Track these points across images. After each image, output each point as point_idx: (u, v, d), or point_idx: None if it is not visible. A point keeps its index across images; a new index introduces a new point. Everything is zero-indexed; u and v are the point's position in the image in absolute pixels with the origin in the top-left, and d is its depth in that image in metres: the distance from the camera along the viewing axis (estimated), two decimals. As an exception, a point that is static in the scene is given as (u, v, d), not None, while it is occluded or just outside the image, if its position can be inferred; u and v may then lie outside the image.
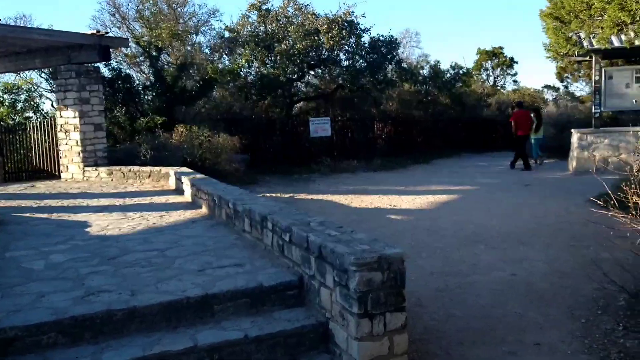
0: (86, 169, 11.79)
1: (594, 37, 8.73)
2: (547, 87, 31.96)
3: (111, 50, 12.37)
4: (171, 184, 10.24)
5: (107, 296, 3.97)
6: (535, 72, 55.79)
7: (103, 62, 14.11)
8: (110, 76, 14.06)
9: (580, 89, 27.99)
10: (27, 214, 7.68)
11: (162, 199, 8.78)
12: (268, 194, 11.58)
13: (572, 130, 14.40)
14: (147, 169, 11.01)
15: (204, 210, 7.54)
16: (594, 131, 13.70)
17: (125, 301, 3.85)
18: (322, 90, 19.07)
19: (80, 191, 10.14)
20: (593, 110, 13.97)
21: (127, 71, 14.87)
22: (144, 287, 4.15)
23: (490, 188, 11.91)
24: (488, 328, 4.14)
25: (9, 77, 15.18)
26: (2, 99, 14.15)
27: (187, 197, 8.72)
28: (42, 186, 11.10)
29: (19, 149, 13.02)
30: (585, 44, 12.00)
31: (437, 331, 4.10)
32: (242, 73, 17.36)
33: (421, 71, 24.38)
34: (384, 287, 3.40)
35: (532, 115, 16.27)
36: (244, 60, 16.62)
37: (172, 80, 13.52)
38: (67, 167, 12.03)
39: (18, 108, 14.12)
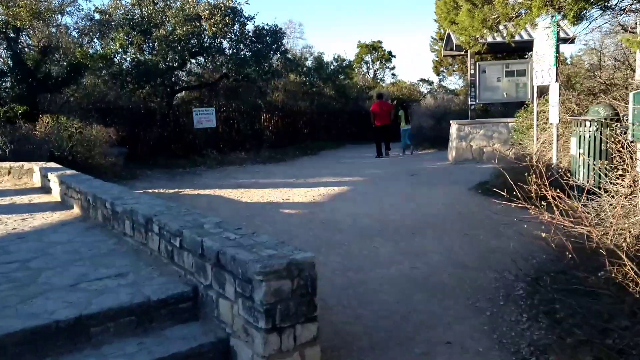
0: None
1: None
2: (423, 80, 33.71)
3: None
4: (36, 181, 9.06)
5: None
6: (412, 66, 58.78)
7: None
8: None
9: (454, 82, 29.82)
10: None
11: (24, 199, 7.68)
12: (150, 190, 10.72)
13: (451, 121, 15.10)
14: (6, 164, 9.67)
15: (76, 211, 6.66)
16: (471, 122, 14.47)
17: (-26, 332, 3.12)
18: (205, 79, 18.21)
19: None
20: (469, 103, 14.74)
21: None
22: (1, 311, 3.41)
23: (379, 179, 12.06)
24: (397, 327, 3.97)
25: None
26: None
27: (56, 196, 7.72)
28: None
29: None
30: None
31: (347, 335, 3.84)
32: (116, 59, 15.98)
33: (306, 62, 24.37)
34: (294, 296, 3.04)
35: (394, 107, 17.35)
36: (117, 45, 15.27)
37: (34, 65, 11.95)
38: None
39: None
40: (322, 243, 6.44)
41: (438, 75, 30.08)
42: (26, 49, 12.65)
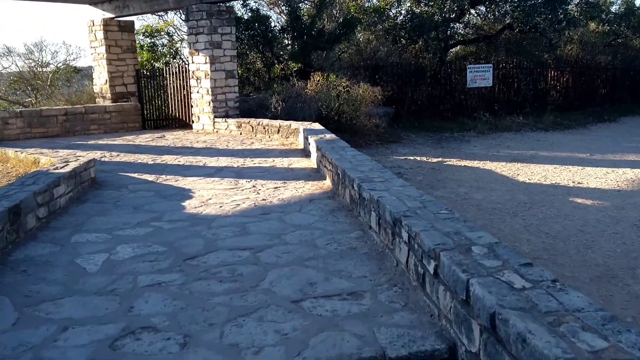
0: (216, 120, 10.93)
1: None
2: None
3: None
4: (299, 142, 8.88)
5: (147, 341, 2.61)
6: None
7: (241, 1, 13.06)
8: (247, 17, 12.90)
9: None
10: (135, 174, 6.79)
11: (284, 163, 7.42)
12: (412, 157, 9.73)
13: None
14: (276, 123, 9.76)
15: (327, 183, 5.99)
16: None
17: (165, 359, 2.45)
18: (484, 32, 16.18)
19: (204, 145, 9.24)
20: None
21: (266, 12, 13.59)
22: (204, 332, 2.70)
23: None
24: None
25: (153, 20, 14.86)
26: (142, 43, 13.80)
27: (313, 162, 7.26)
28: (170, 137, 10.46)
29: (156, 97, 12.63)
30: None
31: None
32: (391, 13, 15.24)
33: (610, 8, 20.01)
34: None
35: None
36: (393, -3, 14.42)
37: (309, 21, 11.92)
38: (199, 117, 11.28)
39: (158, 53, 13.68)
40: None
41: None
42: (303, 4, 12.79)
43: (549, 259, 4.66)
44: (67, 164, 5.75)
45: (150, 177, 6.60)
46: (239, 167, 7.23)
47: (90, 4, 12.53)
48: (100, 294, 3.18)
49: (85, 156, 7.96)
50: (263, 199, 5.40)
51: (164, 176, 6.66)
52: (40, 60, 15.18)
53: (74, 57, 18.07)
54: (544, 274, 2.34)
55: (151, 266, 3.61)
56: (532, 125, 13.32)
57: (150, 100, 12.73)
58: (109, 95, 12.61)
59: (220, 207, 5.14)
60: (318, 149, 6.77)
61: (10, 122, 10.78)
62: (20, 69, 14.89)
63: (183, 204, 5.29)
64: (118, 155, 8.37)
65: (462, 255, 2.61)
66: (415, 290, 3.04)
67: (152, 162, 7.75)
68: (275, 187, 5.92)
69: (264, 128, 9.97)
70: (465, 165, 9.00)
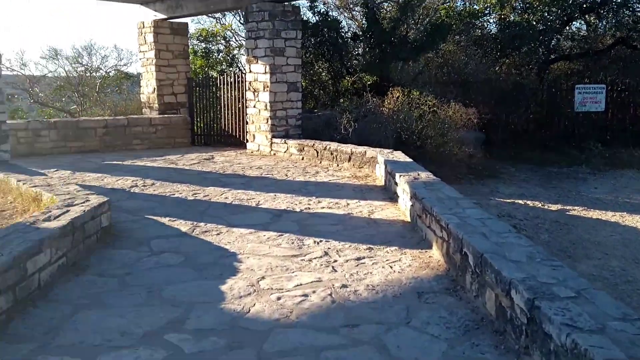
0: (274, 140, 9.19)
1: None
2: None
3: (317, -14, 9.36)
4: (378, 175, 7.00)
5: None
6: None
7: (308, 4, 11.35)
8: (314, 21, 11.14)
9: None
10: (166, 219, 5.07)
11: (363, 209, 5.52)
12: (521, 201, 7.61)
13: None
14: (347, 148, 7.92)
15: (434, 255, 4.04)
16: None
17: None
18: (587, 45, 13.71)
19: (259, 174, 7.50)
20: None
21: (336, 16, 11.76)
22: None
23: None
24: None
25: (208, 22, 13.34)
26: (196, 49, 12.28)
27: (402, 209, 5.36)
28: (220, 160, 8.79)
29: (209, 109, 11.06)
30: None
31: None
32: (477, 22, 13.12)
33: None
34: None
35: None
36: (483, 3, 12.30)
37: (389, 25, 9.98)
38: (254, 135, 9.59)
39: (212, 60, 12.11)
40: None
41: None
42: (383, 7, 10.83)
43: None
44: (68, 210, 4.07)
45: (184, 227, 4.85)
46: (303, 212, 5.40)
47: (141, 4, 11.15)
48: None
49: (113, 183, 6.35)
50: (343, 285, 3.51)
51: (202, 224, 4.90)
52: (89, 64, 14.01)
53: (124, 62, 16.91)
54: None
55: None
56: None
57: (202, 113, 11.18)
58: (156, 105, 11.16)
59: (279, 299, 3.28)
60: (414, 197, 4.83)
61: (42, 134, 9.43)
62: (68, 74, 13.75)
63: (222, 287, 3.47)
64: (153, 184, 6.72)
65: None
66: None
67: (191, 198, 6.04)
68: (358, 259, 4.03)
69: (332, 154, 8.14)
70: (598, 219, 6.79)
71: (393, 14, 10.45)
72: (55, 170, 7.51)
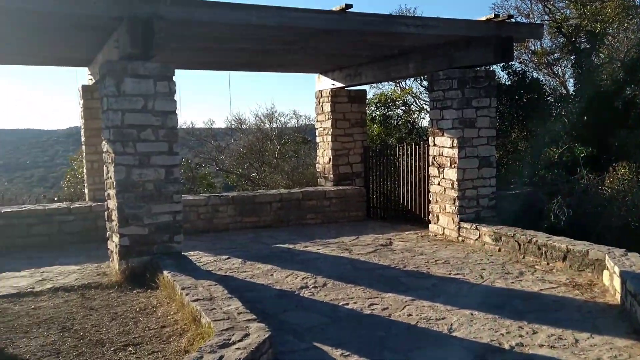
0: (463, 224, 7.87)
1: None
2: None
3: (514, 44, 8.04)
4: (607, 284, 5.32)
5: None
6: None
7: (501, 64, 10.00)
8: (509, 83, 9.69)
9: None
10: (347, 357, 4.06)
11: (602, 355, 3.92)
12: None
13: None
14: (561, 244, 6.31)
15: None
16: None
17: None
18: None
19: (446, 272, 6.26)
20: None
21: (534, 75, 10.10)
22: None
23: None
24: None
25: (387, 87, 12.63)
26: (374, 115, 11.58)
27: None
28: (399, 247, 7.72)
29: (386, 179, 10.18)
30: None
31: None
32: None
33: None
34: None
35: None
36: None
37: (611, 87, 8.11)
38: (438, 216, 8.38)
39: (391, 126, 11.29)
40: None
41: None
42: (599, 63, 8.94)
43: None
44: (222, 357, 3.29)
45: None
46: (515, 352, 4.02)
47: (320, 73, 10.90)
48: None
49: (282, 281, 5.56)
50: None
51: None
52: (269, 133, 14.24)
53: (303, 126, 17.03)
54: None
55: None
56: None
57: (378, 184, 10.35)
58: (331, 176, 10.64)
59: None
60: None
61: (221, 210, 9.37)
62: (250, 141, 14.12)
63: None
64: (324, 285, 5.86)
65: None
66: None
67: (368, 312, 5.01)
68: None
69: (539, 249, 6.56)
70: None
71: (614, 73, 8.53)
72: (227, 258, 7.12)
